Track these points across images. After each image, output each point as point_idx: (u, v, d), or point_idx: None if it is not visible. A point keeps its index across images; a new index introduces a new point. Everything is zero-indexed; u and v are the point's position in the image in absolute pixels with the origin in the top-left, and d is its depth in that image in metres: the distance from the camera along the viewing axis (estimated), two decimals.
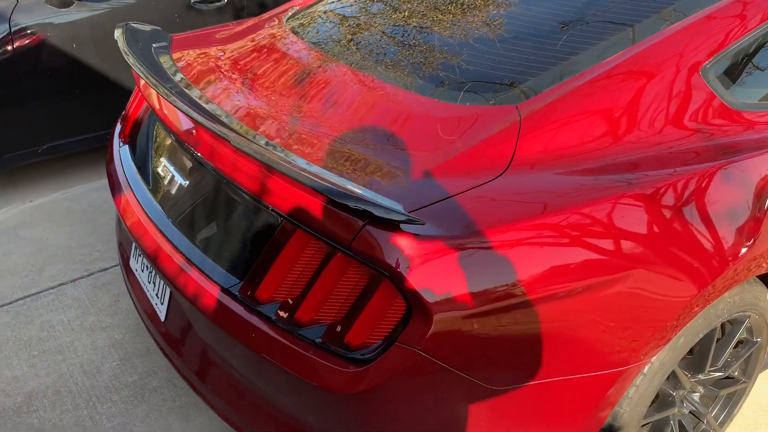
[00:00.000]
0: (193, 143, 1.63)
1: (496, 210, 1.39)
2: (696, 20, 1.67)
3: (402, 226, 1.29)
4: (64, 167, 3.68)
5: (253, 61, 1.96)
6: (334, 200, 1.25)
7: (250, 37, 2.17)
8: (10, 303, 2.72)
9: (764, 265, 1.69)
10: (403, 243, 1.28)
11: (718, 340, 1.85)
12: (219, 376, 1.58)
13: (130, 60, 1.75)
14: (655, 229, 1.46)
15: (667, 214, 1.48)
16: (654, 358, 1.61)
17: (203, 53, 2.08)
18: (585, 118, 1.54)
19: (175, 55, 2.07)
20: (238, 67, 1.94)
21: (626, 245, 1.43)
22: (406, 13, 2.00)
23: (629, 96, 1.57)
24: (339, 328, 1.35)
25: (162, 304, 1.77)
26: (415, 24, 1.94)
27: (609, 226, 1.42)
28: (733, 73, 1.74)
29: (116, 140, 2.17)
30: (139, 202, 1.83)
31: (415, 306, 1.28)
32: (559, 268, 1.37)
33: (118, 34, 1.99)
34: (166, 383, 2.32)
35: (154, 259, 1.68)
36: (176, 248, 1.64)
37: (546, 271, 1.36)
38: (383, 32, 1.95)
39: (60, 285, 2.82)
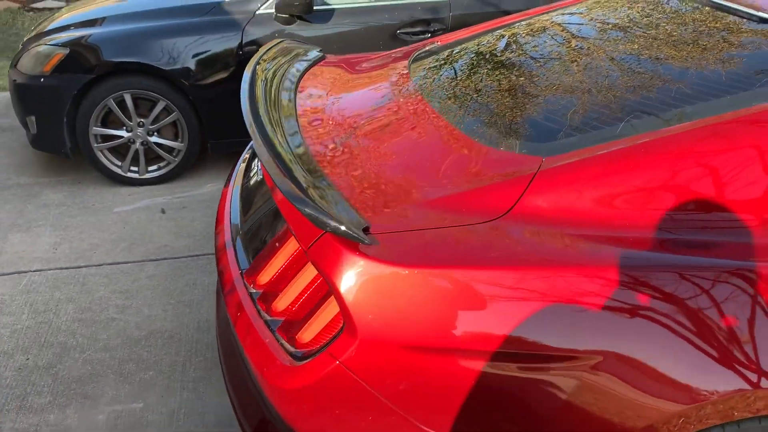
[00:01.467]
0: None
1: (464, 251, 1.38)
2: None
3: (365, 246, 1.36)
4: None
5: (355, 87, 2.14)
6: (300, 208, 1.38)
7: (378, 66, 2.36)
8: (174, 258, 3.27)
9: None
10: (350, 259, 1.35)
11: None
12: (224, 345, 1.79)
13: (247, 71, 2.05)
14: (631, 317, 1.32)
15: (653, 304, 1.33)
16: None
17: (329, 75, 2.32)
18: (602, 185, 1.44)
19: (310, 73, 2.34)
20: (340, 91, 2.14)
21: (596, 325, 1.32)
22: (492, 65, 2.03)
23: (657, 173, 1.43)
24: (294, 325, 1.47)
25: None
26: (492, 75, 1.96)
27: (582, 298, 1.33)
28: None
29: None
30: (231, 188, 2.13)
31: (346, 320, 1.34)
32: (510, 327, 1.32)
33: (264, 47, 2.33)
34: None
35: (217, 235, 1.96)
36: (231, 230, 1.90)
37: (494, 327, 1.33)
38: (472, 80, 2.00)
39: None
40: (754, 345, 1.33)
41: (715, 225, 1.40)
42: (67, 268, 3.17)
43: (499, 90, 1.85)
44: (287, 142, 1.64)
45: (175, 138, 3.94)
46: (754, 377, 1.34)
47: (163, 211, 3.71)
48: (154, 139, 3.89)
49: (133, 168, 3.95)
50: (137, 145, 3.89)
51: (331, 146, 1.74)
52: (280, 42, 2.46)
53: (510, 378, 1.34)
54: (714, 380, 1.32)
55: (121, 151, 3.94)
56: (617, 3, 2.28)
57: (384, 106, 1.93)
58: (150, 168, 3.98)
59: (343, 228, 1.33)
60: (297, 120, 1.88)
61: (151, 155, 3.97)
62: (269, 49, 2.32)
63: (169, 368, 2.56)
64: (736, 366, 1.33)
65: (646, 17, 2.10)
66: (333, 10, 3.86)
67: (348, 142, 1.76)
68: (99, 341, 2.69)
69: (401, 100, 1.94)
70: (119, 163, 3.93)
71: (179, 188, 3.99)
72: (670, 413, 1.31)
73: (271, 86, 2.00)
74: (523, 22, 2.37)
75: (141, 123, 3.85)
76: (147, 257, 3.27)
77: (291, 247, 1.57)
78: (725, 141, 1.45)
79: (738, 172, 1.41)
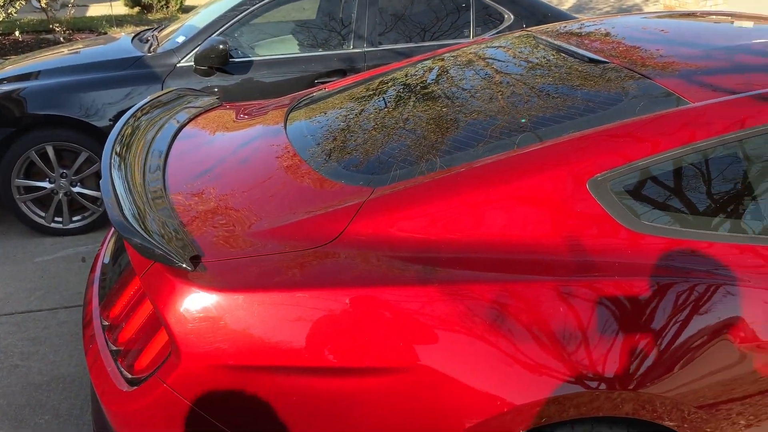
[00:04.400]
0: None
1: (286, 276, 1.47)
2: (579, 136, 1.60)
3: (189, 273, 1.45)
4: None
5: (234, 129, 2.26)
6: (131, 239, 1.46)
7: (264, 110, 2.49)
8: None
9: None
10: (175, 286, 1.43)
11: None
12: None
13: (127, 113, 2.17)
14: (443, 330, 1.41)
15: (464, 315, 1.43)
16: None
17: (217, 119, 2.44)
18: (418, 211, 1.56)
19: (200, 117, 2.46)
20: (219, 133, 2.25)
21: (407, 339, 1.41)
22: (352, 109, 2.17)
23: (475, 196, 1.55)
24: (133, 353, 1.53)
25: None
26: (349, 117, 2.10)
27: (395, 315, 1.42)
28: (635, 191, 1.60)
29: None
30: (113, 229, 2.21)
31: (172, 345, 1.42)
32: (330, 343, 1.41)
33: (155, 94, 2.45)
34: None
35: (90, 272, 2.03)
36: (99, 268, 1.97)
37: (314, 343, 1.41)
38: (333, 122, 2.14)
39: None
40: (554, 354, 1.43)
41: (520, 245, 1.52)
42: None
43: (351, 130, 1.98)
44: (137, 179, 1.73)
45: (99, 188, 4.00)
46: (560, 385, 1.44)
47: (83, 260, 3.75)
48: (77, 189, 3.96)
49: (57, 218, 4.00)
50: (60, 195, 3.95)
51: (188, 183, 1.84)
52: (173, 90, 2.58)
53: (333, 391, 1.41)
54: (518, 389, 1.41)
55: (45, 202, 3.99)
56: (475, 51, 2.45)
57: (250, 145, 2.04)
58: (74, 218, 4.03)
59: (166, 256, 1.41)
60: (165, 160, 1.98)
61: (76, 205, 4.03)
62: (160, 95, 2.44)
63: (67, 412, 2.57)
64: (541, 374, 1.43)
65: (488, 64, 2.27)
66: (251, 61, 4.01)
67: (206, 178, 1.86)
68: None
69: (268, 140, 2.06)
70: (43, 214, 3.97)
71: (103, 237, 4.03)
72: (478, 421, 1.40)
73: (147, 128, 2.11)
74: (395, 72, 2.53)
75: (64, 174, 3.92)
76: (61, 305, 3.30)
77: (129, 281, 1.65)
78: (525, 172, 1.58)
79: (535, 199, 1.54)
